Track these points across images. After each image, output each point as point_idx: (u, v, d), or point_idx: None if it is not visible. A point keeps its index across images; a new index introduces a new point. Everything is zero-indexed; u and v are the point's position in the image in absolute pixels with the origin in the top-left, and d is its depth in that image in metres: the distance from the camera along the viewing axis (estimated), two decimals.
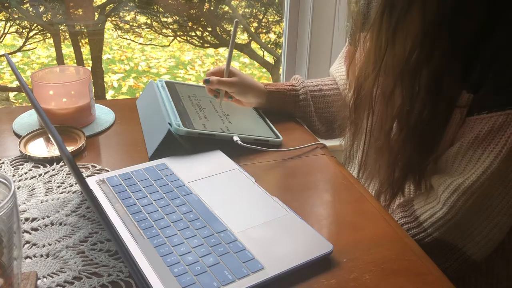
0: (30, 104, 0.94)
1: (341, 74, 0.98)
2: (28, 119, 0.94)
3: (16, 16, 2.29)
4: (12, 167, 0.78)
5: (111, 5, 2.41)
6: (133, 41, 2.74)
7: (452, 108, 0.69)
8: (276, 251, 0.59)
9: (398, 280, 0.57)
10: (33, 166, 0.79)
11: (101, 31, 2.44)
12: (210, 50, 2.97)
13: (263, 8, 2.61)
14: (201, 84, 0.99)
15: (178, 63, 2.94)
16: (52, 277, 0.56)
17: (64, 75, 0.96)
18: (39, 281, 0.56)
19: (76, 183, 0.74)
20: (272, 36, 2.64)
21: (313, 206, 0.71)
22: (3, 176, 0.47)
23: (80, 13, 2.25)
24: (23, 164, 0.79)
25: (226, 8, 2.51)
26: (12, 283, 0.47)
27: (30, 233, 0.63)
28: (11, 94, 2.55)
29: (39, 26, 2.35)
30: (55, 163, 0.79)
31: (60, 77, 0.95)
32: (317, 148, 0.87)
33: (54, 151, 0.82)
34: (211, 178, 0.74)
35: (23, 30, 2.35)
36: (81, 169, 0.78)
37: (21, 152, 0.81)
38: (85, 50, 2.47)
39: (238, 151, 0.82)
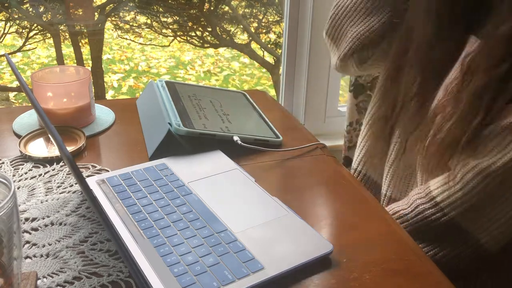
0: (30, 104, 0.94)
1: None
2: (28, 119, 0.94)
3: (16, 16, 2.29)
4: (12, 167, 0.78)
5: (111, 5, 2.41)
6: (133, 41, 2.74)
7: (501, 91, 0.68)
8: (276, 251, 0.59)
9: (398, 280, 0.57)
10: (33, 166, 0.79)
11: (101, 31, 2.44)
12: (210, 50, 2.97)
13: (263, 8, 2.61)
14: (201, 84, 0.99)
15: (178, 63, 2.94)
16: (52, 277, 0.56)
17: (64, 75, 0.96)
18: (39, 281, 0.56)
19: (76, 183, 0.74)
20: (272, 36, 2.64)
21: (313, 206, 0.71)
22: (3, 176, 0.47)
23: (80, 13, 2.25)
24: (23, 164, 0.79)
25: (226, 8, 2.51)
26: (12, 283, 0.47)
27: (30, 233, 0.63)
28: (11, 94, 2.55)
29: (39, 26, 2.35)
30: (55, 163, 0.79)
31: (60, 77, 0.95)
32: (317, 148, 0.87)
33: (54, 151, 0.82)
34: (211, 178, 0.74)
35: (23, 30, 2.35)
36: (81, 169, 0.78)
37: (21, 152, 0.81)
38: (85, 50, 2.47)
39: (238, 151, 0.82)
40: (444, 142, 0.72)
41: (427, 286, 0.57)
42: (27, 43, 2.39)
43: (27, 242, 0.62)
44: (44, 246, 0.61)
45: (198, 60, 2.99)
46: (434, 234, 0.62)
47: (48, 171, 0.77)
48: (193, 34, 2.55)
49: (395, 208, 0.78)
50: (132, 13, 2.52)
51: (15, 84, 2.50)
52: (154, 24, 2.53)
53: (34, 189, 0.73)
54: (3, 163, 0.79)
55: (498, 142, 0.67)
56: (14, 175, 0.76)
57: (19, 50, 2.45)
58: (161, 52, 2.90)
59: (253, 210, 0.67)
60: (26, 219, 0.66)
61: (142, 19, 2.54)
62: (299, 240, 0.61)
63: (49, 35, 2.43)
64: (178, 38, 2.63)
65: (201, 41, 2.58)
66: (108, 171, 0.77)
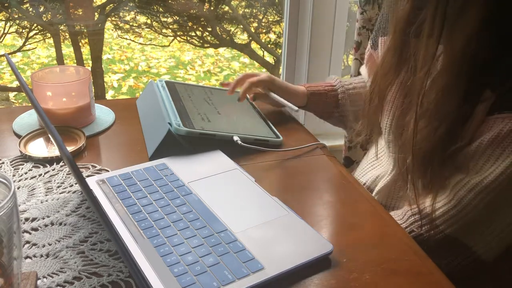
0: (30, 104, 0.94)
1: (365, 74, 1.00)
2: (28, 119, 0.94)
3: (16, 16, 2.29)
4: (12, 167, 0.78)
5: (111, 5, 2.41)
6: (133, 41, 2.73)
7: (477, 100, 0.68)
8: (276, 251, 0.59)
9: (398, 280, 0.57)
10: (33, 166, 0.79)
11: (101, 31, 2.44)
12: (210, 50, 2.97)
13: (263, 8, 2.61)
14: (201, 84, 0.99)
15: (178, 63, 2.94)
16: (52, 277, 0.56)
17: (64, 75, 0.96)
18: (39, 281, 0.56)
19: (76, 183, 0.74)
20: (272, 36, 2.64)
21: (313, 206, 0.71)
22: (3, 176, 0.47)
23: (80, 13, 2.25)
24: (23, 164, 0.79)
25: (226, 8, 2.51)
26: (12, 283, 0.47)
27: (30, 233, 0.63)
28: (11, 94, 2.55)
29: (39, 26, 2.35)
30: (55, 163, 0.79)
31: (60, 77, 0.95)
32: (317, 148, 0.87)
33: (54, 151, 0.82)
34: (211, 178, 0.74)
35: (23, 30, 2.35)
36: (81, 169, 0.78)
37: (21, 152, 0.81)
38: (85, 50, 2.47)
39: (238, 151, 0.82)
40: (423, 162, 0.73)
41: (427, 286, 0.57)
42: (27, 43, 2.39)
43: (27, 242, 0.62)
44: (44, 246, 0.61)
45: (198, 60, 2.99)
46: (431, 247, 0.63)
47: (48, 171, 0.77)
48: (193, 34, 2.54)
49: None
50: (132, 13, 2.52)
51: (15, 84, 2.50)
52: (154, 24, 2.53)
53: (34, 189, 0.73)
54: (3, 163, 0.79)
55: (487, 158, 0.67)
56: (14, 175, 0.76)
57: (19, 50, 2.44)
58: (161, 52, 2.90)
59: (253, 210, 0.67)
60: (26, 219, 0.66)
61: (142, 19, 2.54)
62: (299, 240, 0.61)
63: (49, 35, 2.43)
64: (178, 38, 2.63)
65: (201, 41, 2.58)
66: (108, 171, 0.77)
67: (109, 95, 2.66)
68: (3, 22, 2.25)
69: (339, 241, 0.63)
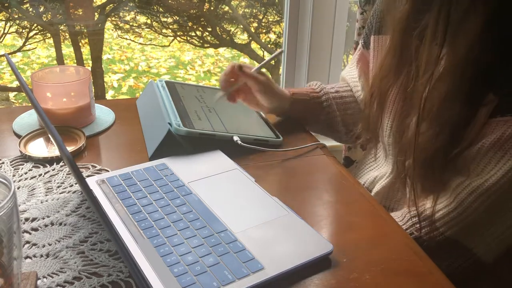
0: (30, 104, 0.94)
1: (352, 77, 0.98)
2: (28, 119, 0.94)
3: (16, 16, 2.29)
4: (12, 167, 0.78)
5: (111, 5, 2.41)
6: (133, 41, 2.74)
7: (479, 103, 0.68)
8: (276, 251, 0.59)
9: (398, 280, 0.57)
10: (33, 166, 0.79)
11: (101, 31, 2.44)
12: (210, 50, 2.97)
13: (263, 8, 2.61)
14: (201, 84, 0.99)
15: (178, 63, 2.94)
16: (52, 277, 0.56)
17: (64, 75, 0.96)
18: (39, 281, 0.56)
19: (76, 183, 0.74)
20: (272, 36, 2.64)
21: (313, 206, 0.71)
22: (3, 176, 0.47)
23: (80, 13, 2.25)
24: (23, 164, 0.79)
25: (226, 8, 2.51)
26: (12, 283, 0.47)
27: (30, 233, 0.63)
28: (11, 94, 2.55)
29: (39, 26, 2.35)
30: (55, 163, 0.79)
31: (60, 77, 0.95)
32: (317, 148, 0.87)
33: (54, 151, 0.82)
34: (211, 178, 0.74)
35: (23, 30, 2.35)
36: (81, 169, 0.78)
37: (21, 152, 0.81)
38: (85, 50, 2.47)
39: (238, 151, 0.82)
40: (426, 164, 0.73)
41: (427, 286, 0.57)
42: (27, 43, 2.39)
43: (27, 242, 0.62)
44: (44, 246, 0.61)
45: (198, 60, 2.99)
46: (431, 249, 0.63)
47: (48, 171, 0.77)
48: (193, 34, 2.54)
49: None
50: (132, 13, 2.52)
51: (15, 84, 2.50)
52: (154, 24, 2.53)
53: (34, 189, 0.73)
54: (3, 163, 0.79)
55: (488, 160, 0.67)
56: (14, 175, 0.76)
57: (19, 50, 2.44)
58: (161, 52, 2.90)
59: (253, 210, 0.67)
60: (26, 219, 0.66)
61: (142, 19, 2.54)
62: (299, 240, 0.61)
63: (49, 35, 2.43)
64: (178, 38, 2.63)
65: (201, 41, 2.58)
66: (108, 171, 0.77)
67: (109, 95, 2.66)
68: (3, 22, 2.25)
69: (339, 241, 0.63)
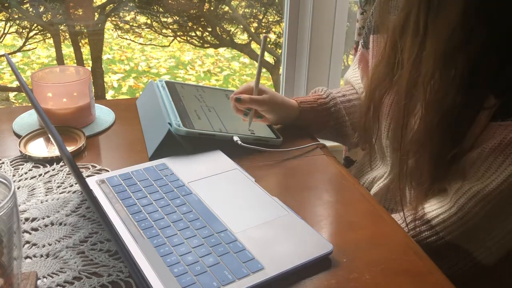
0: (30, 104, 0.94)
1: (356, 79, 0.98)
2: (28, 119, 0.94)
3: (16, 16, 2.29)
4: (12, 167, 0.78)
5: (111, 5, 2.41)
6: (133, 41, 2.74)
7: (480, 106, 0.68)
8: (276, 251, 0.59)
9: (398, 280, 0.57)
10: (33, 166, 0.79)
11: (101, 31, 2.44)
12: (210, 50, 2.97)
13: (263, 8, 2.61)
14: (201, 84, 0.99)
15: (178, 63, 2.94)
16: (52, 277, 0.56)
17: (64, 75, 0.96)
18: (39, 281, 0.56)
19: (76, 183, 0.74)
20: (272, 36, 2.64)
21: (313, 206, 0.71)
22: (3, 176, 0.47)
23: (80, 13, 2.25)
24: (23, 164, 0.79)
25: (226, 8, 2.51)
26: (12, 283, 0.47)
27: (30, 233, 0.63)
28: (11, 94, 2.55)
29: (39, 26, 2.35)
30: (55, 163, 0.79)
31: (60, 77, 0.95)
32: (317, 148, 0.87)
33: (54, 151, 0.82)
34: (211, 178, 0.74)
35: (23, 30, 2.35)
36: (81, 169, 0.78)
37: (21, 152, 0.81)
38: (85, 50, 2.47)
39: (238, 151, 0.82)
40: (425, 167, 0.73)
41: (427, 286, 0.57)
42: (27, 43, 2.39)
43: (27, 242, 0.62)
44: (44, 246, 0.61)
45: (198, 60, 2.99)
46: (431, 253, 0.63)
47: (48, 171, 0.77)
48: (193, 34, 2.54)
49: None
50: (132, 13, 2.52)
51: (15, 84, 2.50)
52: (154, 24, 2.53)
53: (34, 189, 0.73)
54: (3, 163, 0.79)
55: (489, 165, 0.67)
56: (14, 175, 0.76)
57: (19, 50, 2.44)
58: (161, 52, 2.90)
59: (253, 210, 0.67)
60: (26, 219, 0.66)
61: (142, 19, 2.54)
62: (299, 240, 0.61)
63: (49, 35, 2.43)
64: (178, 38, 2.63)
65: (201, 41, 2.58)
66: (108, 171, 0.77)
67: (109, 95, 2.66)
68: (3, 22, 2.25)
69: (339, 241, 0.63)
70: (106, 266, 0.58)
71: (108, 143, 0.88)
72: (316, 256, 0.58)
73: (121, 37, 2.72)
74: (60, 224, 0.65)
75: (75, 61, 2.46)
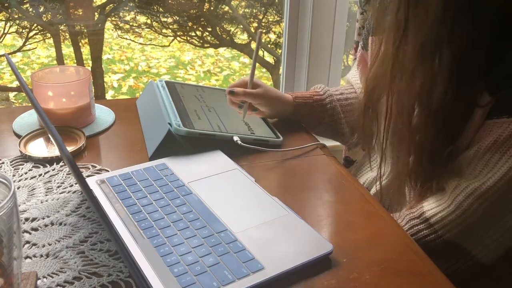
0: (30, 104, 0.94)
1: (356, 79, 0.99)
2: (28, 119, 0.94)
3: (16, 16, 2.29)
4: (12, 167, 0.78)
5: (111, 5, 2.41)
6: (133, 41, 2.73)
7: (473, 103, 0.67)
8: (276, 251, 0.59)
9: (399, 280, 0.57)
10: (33, 166, 0.79)
11: (101, 31, 2.44)
12: (210, 50, 2.97)
13: (263, 8, 2.61)
14: (201, 84, 0.99)
15: (178, 63, 2.94)
16: (52, 277, 0.56)
17: (64, 75, 0.96)
18: (39, 281, 0.56)
19: (76, 183, 0.74)
20: (272, 36, 2.64)
21: (313, 206, 0.71)
22: (3, 176, 0.47)
23: (80, 13, 2.25)
24: (23, 164, 0.79)
25: (226, 8, 2.51)
26: (12, 283, 0.47)
27: (30, 233, 0.63)
28: (11, 94, 2.55)
29: (39, 26, 2.35)
30: (55, 163, 0.79)
31: (60, 77, 0.95)
32: (317, 148, 0.87)
33: (54, 151, 0.82)
34: (211, 178, 0.74)
35: (23, 30, 2.35)
36: (81, 169, 0.78)
37: (21, 152, 0.81)
38: (85, 50, 2.47)
39: (238, 151, 0.82)
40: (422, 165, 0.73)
41: (427, 286, 0.57)
42: (27, 43, 2.39)
43: (27, 242, 0.62)
44: (44, 246, 0.61)
45: (198, 60, 2.99)
46: (430, 252, 0.63)
47: (48, 171, 0.77)
48: (193, 34, 2.54)
49: None
50: (132, 13, 2.52)
51: (15, 84, 2.50)
52: (154, 24, 2.53)
53: (34, 189, 0.73)
54: (3, 163, 0.79)
55: (486, 163, 0.67)
56: (14, 175, 0.76)
57: (19, 50, 2.44)
58: (161, 52, 2.90)
59: (253, 210, 0.67)
60: (26, 219, 0.66)
61: (142, 19, 2.54)
62: (299, 240, 0.61)
63: (49, 35, 2.43)
64: (178, 38, 2.63)
65: (201, 41, 2.58)
66: (108, 171, 0.77)
67: (109, 95, 2.66)
68: (3, 22, 2.25)
69: (339, 241, 0.63)
70: (106, 266, 0.58)
71: (108, 143, 0.88)
72: (316, 256, 0.58)
73: (121, 37, 2.72)
74: (60, 224, 0.65)
75: (75, 61, 2.46)
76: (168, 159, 0.79)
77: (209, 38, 2.56)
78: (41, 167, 0.78)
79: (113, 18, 2.51)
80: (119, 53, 2.87)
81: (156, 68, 2.87)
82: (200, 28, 2.51)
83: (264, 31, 2.60)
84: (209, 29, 2.51)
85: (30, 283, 0.53)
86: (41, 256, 0.59)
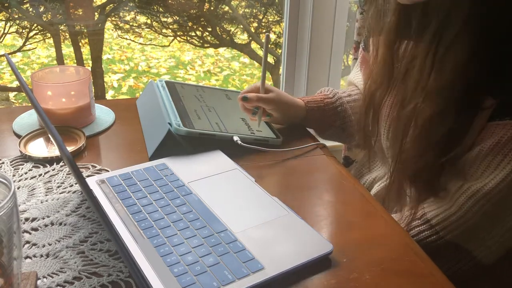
0: (30, 104, 0.94)
1: (359, 80, 0.98)
2: (28, 119, 0.94)
3: (16, 16, 2.29)
4: (12, 167, 0.78)
5: (111, 5, 2.41)
6: (133, 41, 2.73)
7: (477, 108, 0.68)
8: (276, 251, 0.59)
9: (399, 281, 0.57)
10: (33, 166, 0.79)
11: (101, 31, 2.44)
12: (210, 50, 2.97)
13: (263, 8, 2.61)
14: (201, 84, 0.98)
15: (178, 63, 2.94)
16: (52, 277, 0.56)
17: (64, 75, 0.96)
18: (39, 281, 0.56)
19: (76, 183, 0.74)
20: (272, 36, 2.64)
21: (313, 206, 0.71)
22: (3, 176, 0.47)
23: (80, 13, 2.25)
24: (23, 164, 0.79)
25: (226, 8, 2.51)
26: (12, 283, 0.47)
27: (30, 233, 0.63)
28: (11, 94, 2.55)
29: (39, 26, 2.35)
30: (55, 163, 0.79)
31: (60, 77, 0.95)
32: (317, 148, 0.87)
33: (54, 151, 0.82)
34: (211, 178, 0.74)
35: (23, 30, 2.35)
36: (81, 169, 0.78)
37: (21, 152, 0.81)
38: (85, 50, 2.47)
39: (238, 151, 0.82)
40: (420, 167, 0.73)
41: (427, 286, 0.57)
42: (27, 43, 2.39)
43: (27, 242, 0.62)
44: (44, 246, 0.61)
45: (198, 60, 2.99)
46: (431, 253, 0.63)
47: (48, 171, 0.77)
48: (193, 34, 2.54)
49: None
50: (132, 13, 2.52)
51: (15, 84, 2.50)
52: (154, 24, 2.53)
53: (34, 189, 0.73)
54: (3, 163, 0.79)
55: (488, 164, 0.67)
56: (14, 175, 0.76)
57: (19, 50, 2.44)
58: (161, 52, 2.90)
59: (253, 210, 0.67)
60: (26, 219, 0.66)
61: (142, 19, 2.54)
62: (299, 240, 0.61)
63: (49, 35, 2.43)
64: (178, 38, 2.63)
65: (201, 41, 2.58)
66: (108, 171, 0.77)
67: (109, 95, 2.66)
68: (3, 22, 2.25)
69: (339, 241, 0.63)
70: (106, 266, 0.58)
71: (108, 143, 0.88)
72: (316, 256, 0.58)
73: (121, 37, 2.72)
74: (60, 224, 0.65)
75: (75, 61, 2.46)
76: (168, 159, 0.79)
77: (209, 38, 2.56)
78: (41, 167, 0.78)
79: (113, 18, 2.51)
80: (119, 53, 2.87)
81: (156, 68, 2.87)
82: (200, 28, 2.51)
83: (264, 31, 2.60)
84: (209, 29, 2.51)
85: (30, 283, 0.53)
86: (41, 256, 0.59)
